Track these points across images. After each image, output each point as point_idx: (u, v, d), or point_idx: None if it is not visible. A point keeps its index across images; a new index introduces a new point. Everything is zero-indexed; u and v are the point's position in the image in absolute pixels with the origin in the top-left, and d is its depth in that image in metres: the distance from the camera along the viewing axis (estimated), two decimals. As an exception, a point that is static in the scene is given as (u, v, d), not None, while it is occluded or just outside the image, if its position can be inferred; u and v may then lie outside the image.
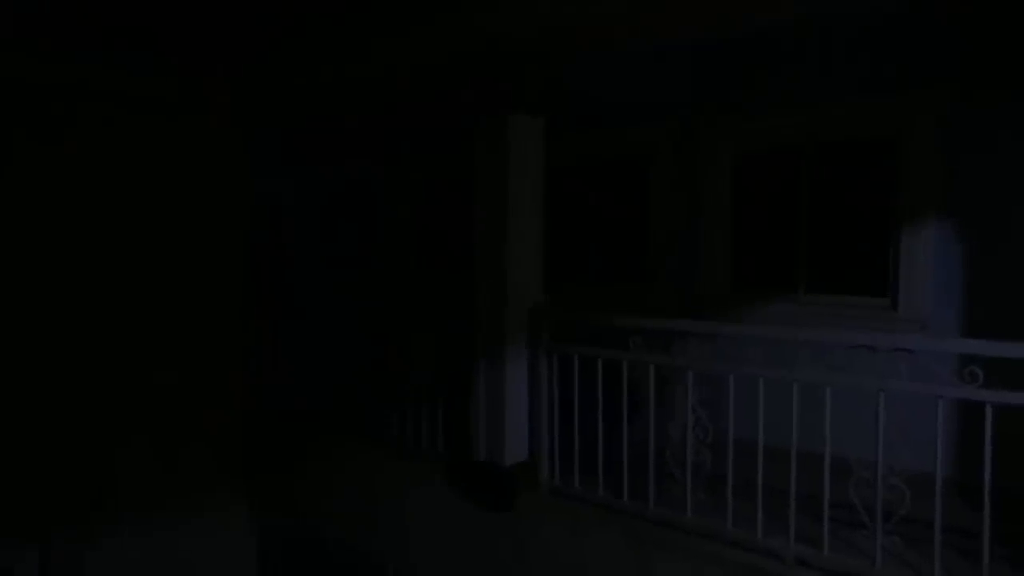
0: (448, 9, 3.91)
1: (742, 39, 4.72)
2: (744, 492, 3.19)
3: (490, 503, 4.03)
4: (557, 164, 5.78)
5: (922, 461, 2.79)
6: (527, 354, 3.99)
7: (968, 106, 4.11)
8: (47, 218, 5.62)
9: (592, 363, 3.70)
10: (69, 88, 5.58)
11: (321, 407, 5.55)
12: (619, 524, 3.56)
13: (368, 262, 7.26)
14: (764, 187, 5.05)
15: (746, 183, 5.14)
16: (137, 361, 5.98)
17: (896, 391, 2.83)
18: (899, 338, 2.92)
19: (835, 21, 4.41)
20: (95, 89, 5.65)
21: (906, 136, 4.34)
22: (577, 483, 3.82)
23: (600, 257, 6.05)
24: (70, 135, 5.69)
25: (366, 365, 5.13)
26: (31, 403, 5.50)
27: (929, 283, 4.26)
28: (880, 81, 4.40)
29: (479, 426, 4.10)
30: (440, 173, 6.76)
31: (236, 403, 6.38)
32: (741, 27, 4.25)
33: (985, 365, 2.59)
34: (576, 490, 3.82)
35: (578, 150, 5.98)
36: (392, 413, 4.86)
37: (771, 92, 4.85)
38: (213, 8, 4.48)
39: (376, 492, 4.93)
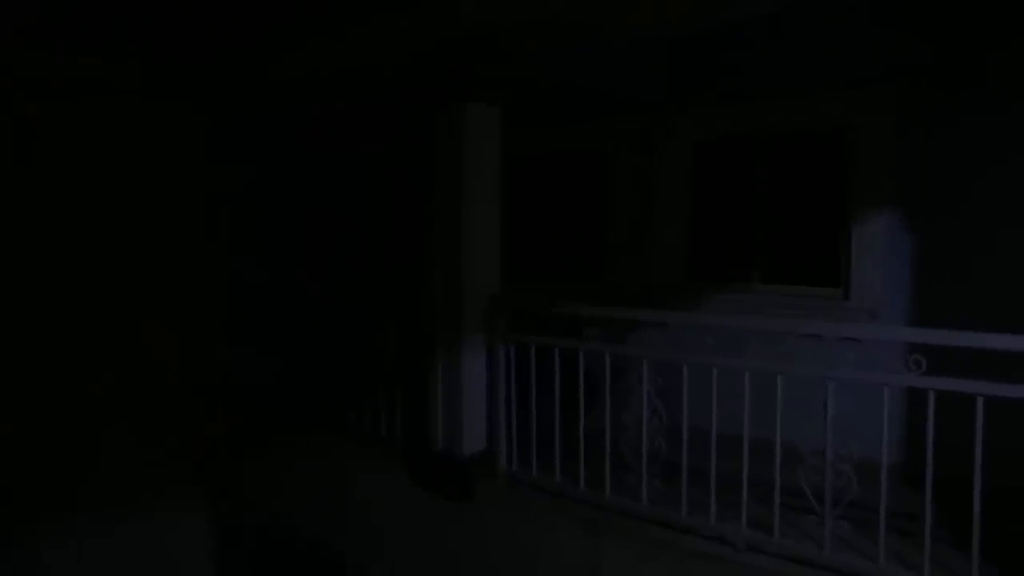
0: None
1: (699, 34, 4.71)
2: (698, 479, 3.23)
3: (449, 492, 4.02)
4: (516, 159, 5.79)
5: (871, 448, 2.85)
6: (484, 344, 3.99)
7: (920, 101, 4.21)
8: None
9: (549, 353, 3.71)
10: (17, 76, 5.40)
11: (285, 403, 5.49)
12: (575, 512, 3.59)
13: (333, 257, 7.17)
14: (721, 180, 5.11)
15: (703, 176, 5.19)
16: (87, 359, 5.83)
17: (844, 379, 2.89)
18: (845, 327, 2.97)
19: (791, 18, 4.43)
20: (48, 76, 5.48)
21: (858, 130, 4.42)
22: (535, 472, 3.84)
23: (560, 251, 6.07)
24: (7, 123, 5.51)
25: (331, 361, 5.08)
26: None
27: (879, 273, 4.35)
28: (833, 76, 4.45)
29: (438, 416, 4.09)
30: (403, 167, 6.70)
31: (196, 400, 6.27)
32: (703, 24, 4.26)
33: (930, 353, 2.65)
34: (534, 479, 3.84)
35: (537, 146, 5.98)
36: (354, 407, 4.83)
37: (727, 87, 4.89)
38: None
39: (337, 484, 4.90)
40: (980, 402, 2.60)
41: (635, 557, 3.35)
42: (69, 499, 5.70)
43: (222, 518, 6.20)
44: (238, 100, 6.10)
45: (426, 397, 4.19)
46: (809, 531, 3.05)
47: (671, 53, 5.03)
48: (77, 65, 5.55)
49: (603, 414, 3.58)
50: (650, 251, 5.34)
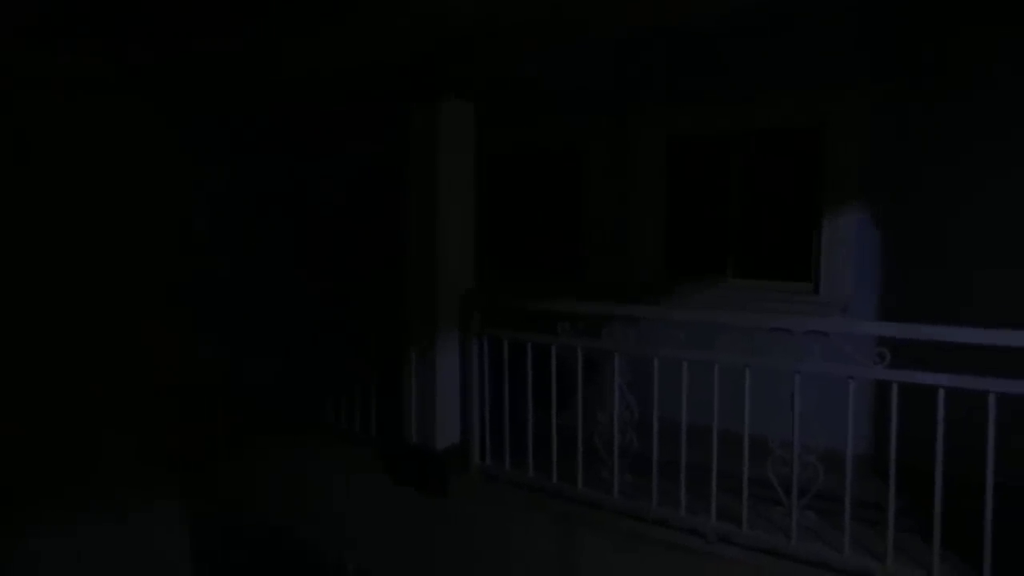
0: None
1: (685, 32, 4.77)
2: (670, 471, 3.26)
3: (423, 487, 4.05)
4: (493, 157, 5.85)
5: (840, 440, 2.87)
6: (458, 339, 4.02)
7: (891, 100, 4.23)
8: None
9: (522, 348, 3.74)
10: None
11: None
12: (548, 505, 3.62)
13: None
14: (696, 176, 5.14)
15: (679, 172, 5.22)
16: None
17: (811, 372, 2.91)
18: (812, 321, 2.98)
19: (774, 17, 4.49)
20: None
21: (830, 127, 4.45)
22: (508, 466, 3.87)
23: (536, 249, 6.08)
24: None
25: (326, 361, 5.10)
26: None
27: (849, 268, 4.37)
28: (807, 74, 4.49)
29: (411, 411, 4.12)
30: (394, 166, 6.74)
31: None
32: (700, 20, 4.33)
33: (901, 347, 2.67)
34: (507, 473, 3.87)
35: (520, 145, 6.02)
36: (330, 403, 4.86)
37: (703, 84, 4.92)
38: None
39: (314, 480, 4.92)
40: (941, 394, 2.62)
41: (609, 549, 3.38)
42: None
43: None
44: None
45: (400, 393, 4.22)
46: (777, 522, 3.08)
47: (652, 51, 5.10)
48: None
49: (576, 408, 3.60)
50: (628, 249, 5.36)
